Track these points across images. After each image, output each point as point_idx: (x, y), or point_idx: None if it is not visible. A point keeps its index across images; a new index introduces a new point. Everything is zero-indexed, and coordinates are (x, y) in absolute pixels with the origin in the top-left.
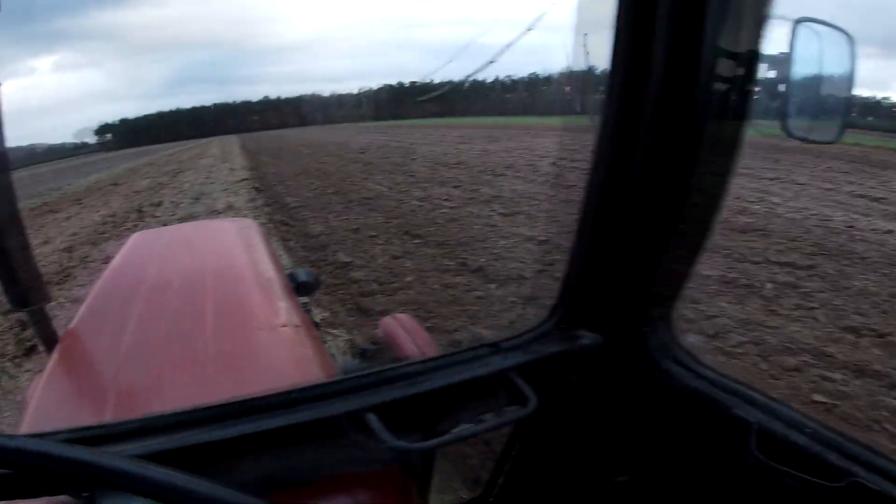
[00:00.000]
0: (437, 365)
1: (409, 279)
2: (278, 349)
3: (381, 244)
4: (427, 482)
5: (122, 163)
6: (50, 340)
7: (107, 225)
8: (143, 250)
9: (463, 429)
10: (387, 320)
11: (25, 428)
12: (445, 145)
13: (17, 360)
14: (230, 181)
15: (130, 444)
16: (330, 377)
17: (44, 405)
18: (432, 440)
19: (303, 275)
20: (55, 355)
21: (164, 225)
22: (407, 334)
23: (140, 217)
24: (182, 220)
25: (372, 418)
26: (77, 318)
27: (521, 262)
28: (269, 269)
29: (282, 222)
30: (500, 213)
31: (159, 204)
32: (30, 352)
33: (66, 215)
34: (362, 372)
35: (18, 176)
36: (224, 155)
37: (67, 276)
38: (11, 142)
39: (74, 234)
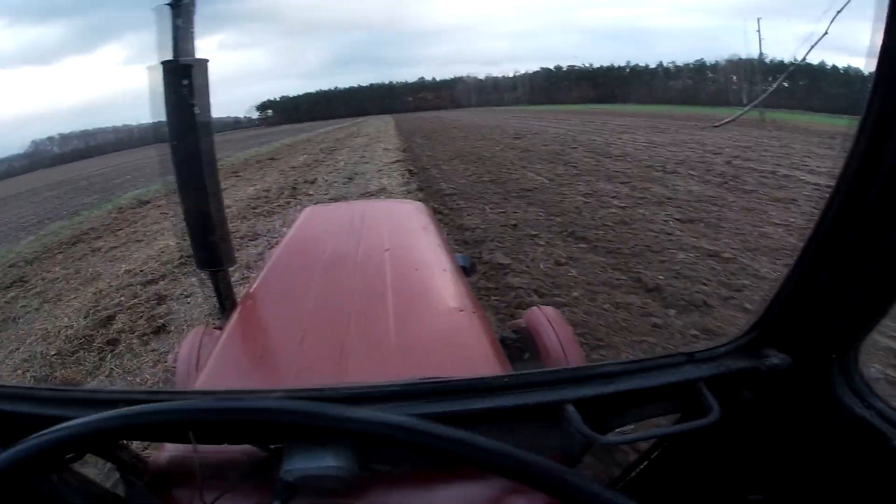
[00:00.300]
0: (634, 368)
1: (575, 294)
2: (456, 335)
3: (543, 246)
4: None
5: (281, 138)
6: (229, 302)
7: (259, 200)
8: (317, 224)
9: (649, 430)
10: (533, 311)
11: (202, 382)
12: (607, 134)
13: (144, 338)
14: (384, 162)
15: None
16: (506, 365)
17: (222, 363)
18: (623, 436)
19: (461, 259)
20: (234, 318)
21: (317, 203)
22: (551, 328)
23: (293, 194)
24: (334, 200)
25: (570, 410)
26: (255, 284)
27: (705, 285)
28: (441, 253)
29: (435, 210)
30: (677, 220)
31: (313, 181)
32: (159, 331)
33: (222, 187)
34: (563, 367)
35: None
36: (378, 134)
37: None
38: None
39: (227, 207)
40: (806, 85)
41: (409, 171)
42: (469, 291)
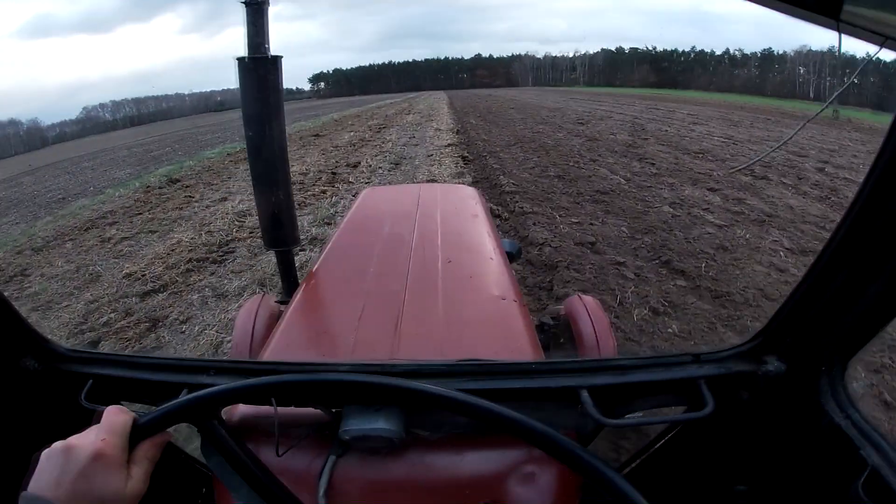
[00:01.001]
0: (645, 363)
1: None
2: (497, 320)
3: (633, 279)
4: None
5: (330, 111)
6: (291, 279)
7: (294, 185)
8: (375, 205)
9: (651, 416)
10: (573, 300)
11: (269, 354)
12: (677, 125)
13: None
14: (435, 145)
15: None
16: (541, 354)
17: (287, 337)
18: (625, 419)
19: (508, 245)
20: (300, 294)
21: (355, 196)
22: (588, 317)
23: (331, 180)
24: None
25: (585, 395)
26: (318, 262)
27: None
28: (492, 241)
29: (496, 215)
30: (788, 249)
31: (356, 165)
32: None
33: None
34: (583, 358)
35: (231, 118)
36: (430, 112)
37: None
38: (230, 83)
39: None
40: (877, 83)
41: (464, 157)
42: (513, 279)
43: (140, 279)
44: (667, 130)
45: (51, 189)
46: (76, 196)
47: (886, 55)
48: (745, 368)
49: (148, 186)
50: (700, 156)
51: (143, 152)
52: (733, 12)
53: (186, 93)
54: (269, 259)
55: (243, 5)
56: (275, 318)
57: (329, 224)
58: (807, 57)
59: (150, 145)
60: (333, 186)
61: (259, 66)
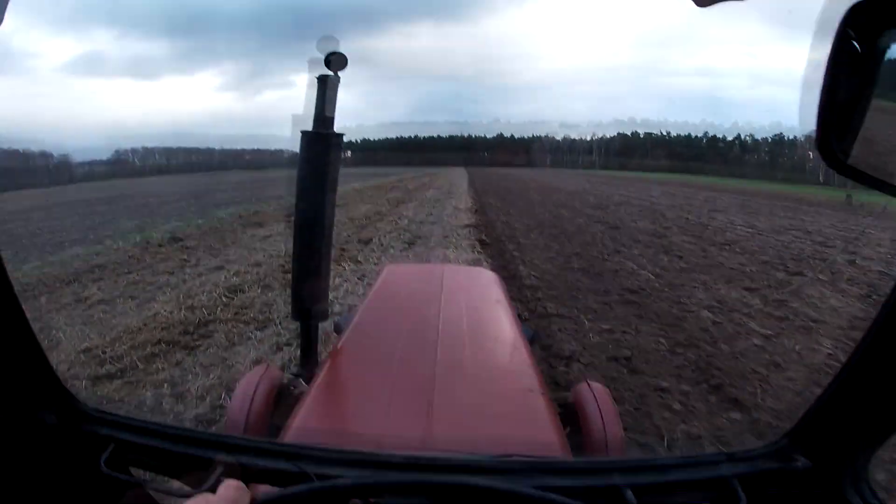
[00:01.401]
0: (683, 462)
1: None
2: (529, 415)
3: (680, 411)
4: None
5: (353, 181)
6: (312, 354)
7: (287, 265)
8: (398, 284)
9: None
10: (581, 387)
11: (292, 434)
12: (697, 211)
13: None
14: (453, 224)
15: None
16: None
17: (310, 416)
18: None
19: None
20: (323, 372)
21: (361, 278)
22: (597, 406)
23: (338, 258)
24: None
25: (629, 494)
26: (342, 339)
27: None
28: (516, 329)
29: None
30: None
31: (367, 242)
32: None
33: (267, 233)
34: (624, 457)
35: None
36: (450, 189)
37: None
38: (267, 143)
39: (257, 264)
40: None
41: (482, 241)
42: (537, 370)
43: (98, 358)
44: (688, 218)
45: (54, 230)
46: (74, 242)
47: None
48: (775, 466)
49: (148, 242)
50: (727, 248)
51: (160, 203)
52: (745, 98)
53: (217, 148)
54: (246, 352)
55: (316, 79)
56: (276, 391)
57: None
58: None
59: (169, 196)
60: (339, 265)
61: (323, 141)
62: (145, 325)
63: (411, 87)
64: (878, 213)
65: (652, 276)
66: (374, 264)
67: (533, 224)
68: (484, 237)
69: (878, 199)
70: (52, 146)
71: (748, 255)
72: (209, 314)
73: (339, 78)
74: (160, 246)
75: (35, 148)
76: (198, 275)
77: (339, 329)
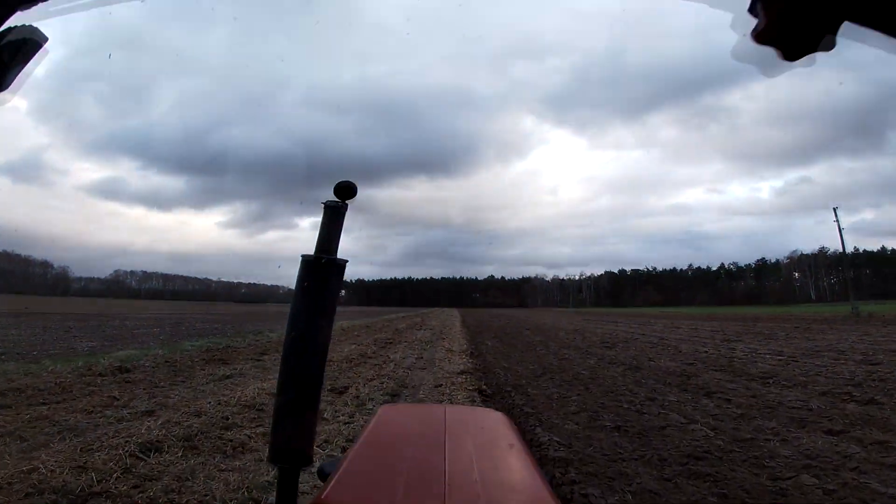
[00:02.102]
0: None
1: None
2: None
3: None
4: None
5: (341, 319)
6: (290, 502)
7: (248, 410)
8: (394, 427)
9: None
10: None
11: None
12: (708, 343)
13: None
14: (446, 371)
15: None
16: None
17: None
18: None
19: None
20: None
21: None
22: None
23: None
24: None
25: None
26: (328, 488)
27: None
28: (537, 476)
29: None
30: None
31: (342, 392)
32: None
33: (227, 372)
34: None
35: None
36: (442, 329)
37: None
38: (266, 280)
39: (196, 414)
40: (875, 272)
41: (481, 391)
42: None
43: None
44: (707, 352)
45: (8, 340)
46: (12, 356)
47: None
48: None
49: (90, 368)
50: (771, 381)
51: (134, 326)
52: (721, 230)
53: (214, 279)
54: None
55: (322, 205)
56: None
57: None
58: (800, 261)
59: (148, 321)
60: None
61: (324, 266)
62: (9, 483)
63: (409, 233)
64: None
65: (709, 431)
66: (346, 423)
67: (539, 369)
68: (484, 386)
69: (881, 308)
70: (54, 258)
71: (800, 389)
72: (98, 481)
73: (346, 206)
74: (101, 375)
75: (37, 256)
76: (118, 419)
77: (323, 475)
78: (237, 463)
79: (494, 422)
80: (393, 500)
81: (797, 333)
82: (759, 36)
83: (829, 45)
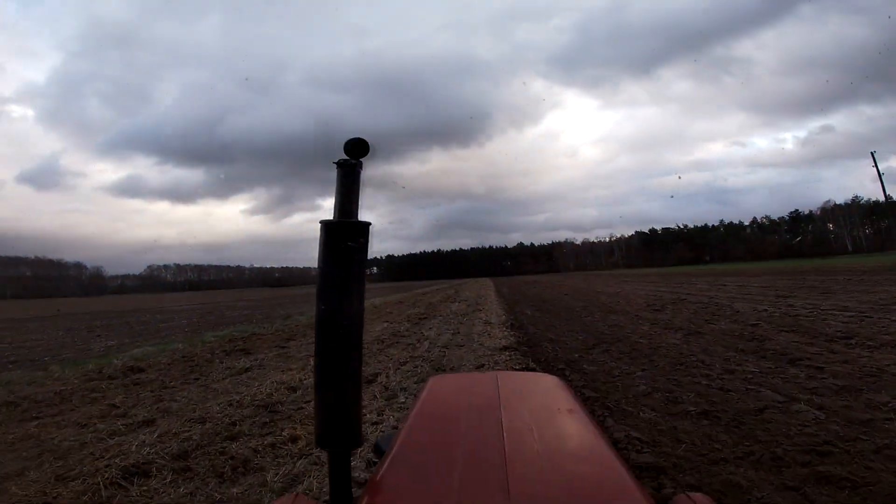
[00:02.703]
0: None
1: None
2: None
3: None
4: None
5: (375, 296)
6: (344, 486)
7: (262, 411)
8: (446, 396)
9: None
10: (680, 499)
11: None
12: (763, 301)
13: None
14: (487, 347)
15: None
16: None
17: None
18: None
19: None
20: (366, 498)
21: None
22: None
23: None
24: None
25: None
26: (387, 460)
27: None
28: (599, 437)
29: None
30: None
31: (372, 380)
32: None
33: (247, 364)
34: None
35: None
36: (477, 300)
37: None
38: (298, 263)
39: (200, 420)
40: None
41: (530, 371)
42: (639, 483)
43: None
44: (767, 311)
45: (25, 345)
46: (21, 363)
47: None
48: None
49: (100, 371)
50: (853, 342)
51: (161, 320)
52: (746, 184)
53: (247, 266)
54: None
55: (335, 165)
56: None
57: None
58: (833, 212)
59: (178, 314)
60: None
61: (347, 230)
62: None
63: (433, 205)
64: None
65: (817, 412)
66: (370, 423)
67: (590, 338)
68: (533, 364)
69: None
70: (86, 259)
71: (890, 349)
72: None
73: (361, 164)
74: (110, 378)
75: (69, 259)
76: (111, 433)
77: (380, 451)
78: (235, 490)
79: (549, 386)
80: (452, 473)
81: (853, 286)
82: None
83: None
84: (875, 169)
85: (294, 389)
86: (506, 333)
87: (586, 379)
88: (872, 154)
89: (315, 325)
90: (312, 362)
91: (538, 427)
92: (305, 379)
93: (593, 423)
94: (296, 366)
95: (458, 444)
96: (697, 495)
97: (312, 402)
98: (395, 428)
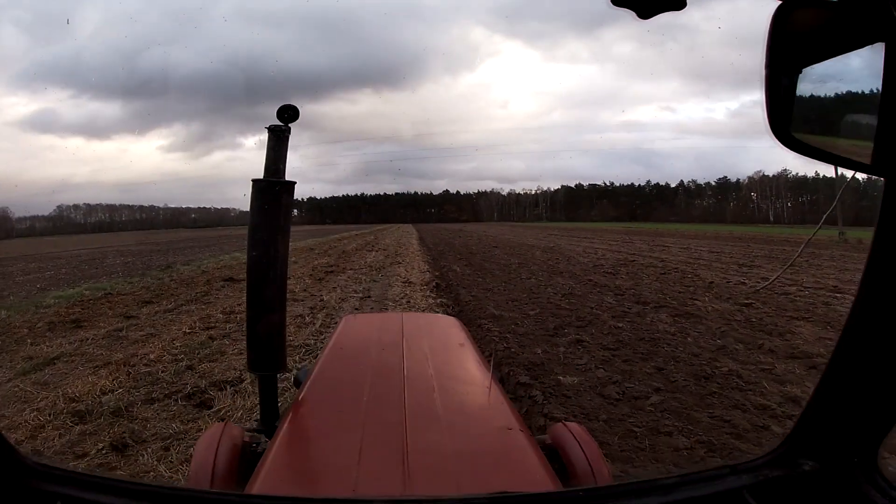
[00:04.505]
0: (687, 480)
1: None
2: (512, 452)
3: None
4: None
5: (297, 239)
6: (271, 408)
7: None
8: (358, 333)
9: None
10: (557, 427)
11: (259, 486)
12: (729, 271)
13: None
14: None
15: None
16: (560, 482)
17: (279, 467)
18: None
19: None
20: (286, 423)
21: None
22: (578, 446)
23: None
24: None
25: None
26: (304, 390)
27: None
28: (484, 370)
29: None
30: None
31: (207, 405)
32: None
33: (55, 351)
34: (627, 481)
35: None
36: (398, 250)
37: None
38: (217, 203)
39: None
40: (852, 203)
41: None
42: (513, 408)
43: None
44: (745, 284)
45: None
46: None
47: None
48: (782, 473)
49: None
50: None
51: (21, 271)
52: (673, 149)
53: (161, 206)
54: None
55: (266, 130)
56: (239, 449)
57: None
58: (761, 182)
59: (51, 261)
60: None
61: (274, 188)
62: None
63: (357, 148)
64: None
65: None
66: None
67: (546, 317)
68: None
69: (866, 234)
70: None
71: None
72: None
73: (289, 129)
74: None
75: None
76: None
77: (298, 383)
78: None
79: (447, 325)
80: (360, 398)
81: (813, 259)
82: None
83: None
84: None
85: (89, 415)
86: (430, 302)
87: (568, 404)
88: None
89: (247, 270)
90: (162, 341)
91: (433, 359)
92: (131, 388)
93: (481, 357)
94: (122, 355)
95: (365, 374)
96: (574, 424)
97: (245, 330)
98: (306, 366)
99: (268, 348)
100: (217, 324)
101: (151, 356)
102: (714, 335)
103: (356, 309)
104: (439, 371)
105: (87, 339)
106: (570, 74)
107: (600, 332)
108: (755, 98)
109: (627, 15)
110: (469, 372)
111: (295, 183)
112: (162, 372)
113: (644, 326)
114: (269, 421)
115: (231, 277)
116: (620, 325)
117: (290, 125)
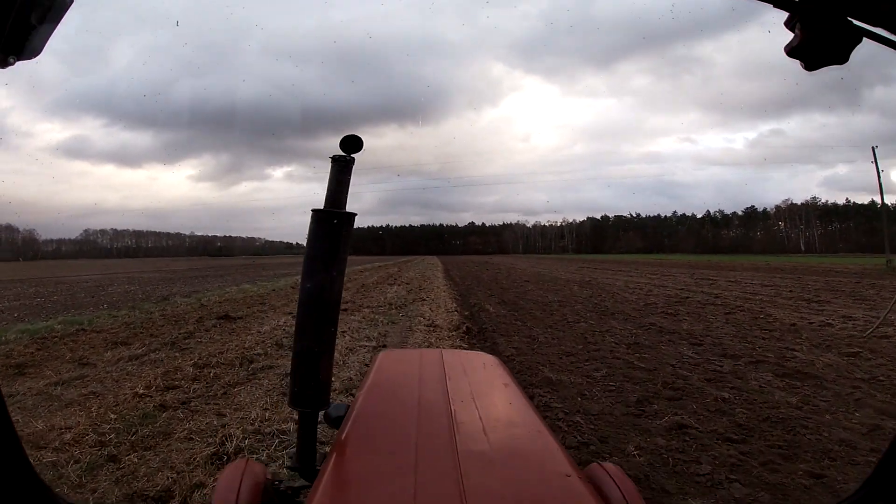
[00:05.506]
0: None
1: None
2: (572, 499)
3: None
4: None
5: (297, 273)
6: (309, 446)
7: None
8: (395, 369)
9: None
10: (593, 467)
11: None
12: (802, 308)
13: None
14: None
15: None
16: None
17: None
18: None
19: None
20: (330, 465)
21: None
22: (614, 485)
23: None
24: None
25: None
26: (346, 428)
27: None
28: (531, 411)
29: None
30: None
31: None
32: None
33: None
34: None
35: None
36: (422, 284)
37: None
38: (242, 232)
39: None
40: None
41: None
42: (566, 452)
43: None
44: (832, 325)
45: None
46: None
47: None
48: None
49: None
50: None
51: (17, 296)
52: (694, 179)
53: (187, 233)
54: None
55: (330, 159)
56: (261, 487)
57: None
58: (790, 210)
59: (59, 286)
60: None
61: (334, 219)
62: None
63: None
64: None
65: None
66: None
67: (620, 381)
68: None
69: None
70: (20, 222)
71: None
72: None
73: (353, 160)
74: None
75: (3, 222)
76: None
77: (330, 419)
78: None
79: (488, 363)
80: (408, 440)
81: (874, 291)
82: (793, 51)
83: (844, 59)
84: (874, 164)
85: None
86: (459, 346)
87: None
88: (873, 149)
89: (299, 300)
90: (100, 407)
91: (480, 399)
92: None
93: (525, 397)
94: (40, 427)
95: (410, 412)
96: (609, 465)
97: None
98: (352, 397)
99: (312, 384)
100: (181, 382)
101: (70, 434)
102: (849, 405)
103: (365, 365)
104: (487, 412)
105: (15, 396)
106: (590, 108)
107: (703, 409)
108: (772, 127)
109: (641, 48)
110: (518, 413)
111: (356, 215)
112: (71, 464)
113: (754, 396)
114: (308, 461)
115: (227, 314)
116: (724, 394)
117: (353, 155)
